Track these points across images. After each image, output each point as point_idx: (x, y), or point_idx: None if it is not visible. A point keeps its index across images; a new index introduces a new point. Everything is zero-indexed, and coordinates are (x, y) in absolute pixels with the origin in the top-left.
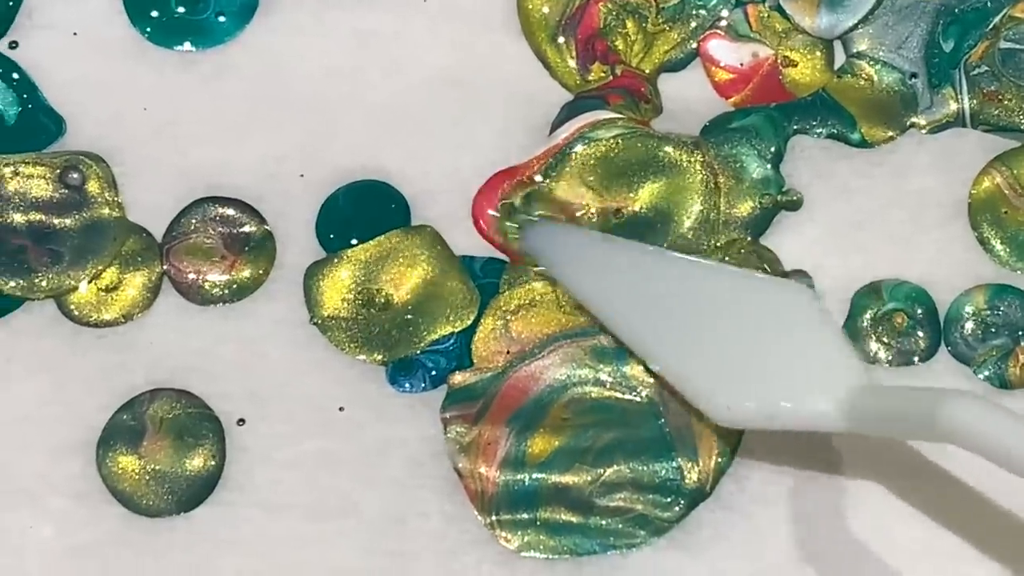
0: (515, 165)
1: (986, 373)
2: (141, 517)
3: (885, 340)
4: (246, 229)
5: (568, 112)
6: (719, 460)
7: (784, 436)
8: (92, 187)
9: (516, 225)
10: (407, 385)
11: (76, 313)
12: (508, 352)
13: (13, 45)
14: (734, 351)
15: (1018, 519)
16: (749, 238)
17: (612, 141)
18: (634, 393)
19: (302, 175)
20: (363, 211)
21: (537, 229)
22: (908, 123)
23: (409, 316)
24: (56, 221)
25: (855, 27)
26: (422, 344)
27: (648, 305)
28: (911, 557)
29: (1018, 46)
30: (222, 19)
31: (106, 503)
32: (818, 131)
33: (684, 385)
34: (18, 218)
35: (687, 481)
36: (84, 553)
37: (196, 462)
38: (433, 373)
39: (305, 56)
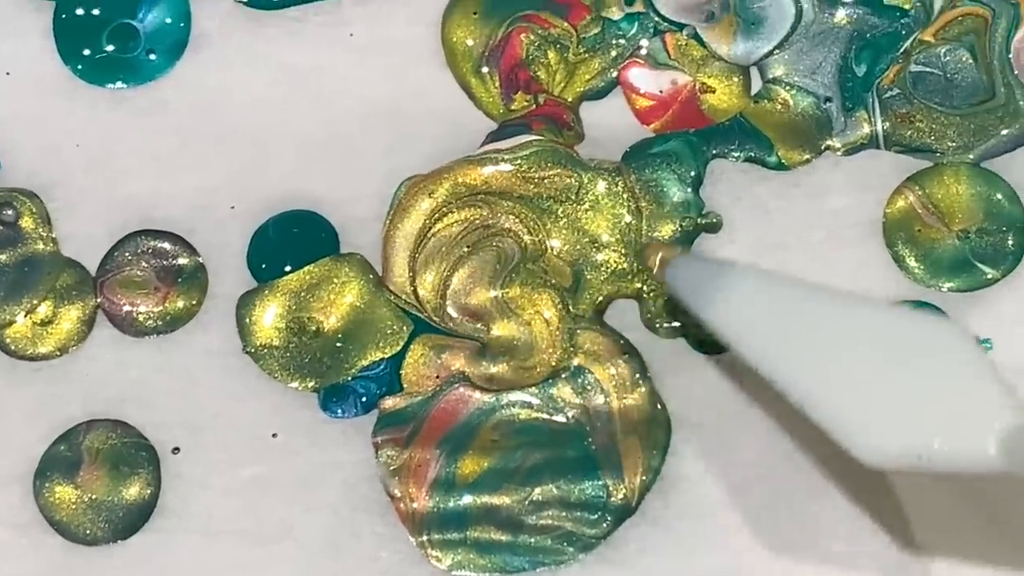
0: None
1: None
2: (79, 546)
3: None
4: (179, 261)
5: (493, 139)
6: (644, 478)
7: (704, 451)
8: (26, 223)
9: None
10: (339, 411)
11: (12, 347)
12: (437, 377)
13: None
14: (883, 388)
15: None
16: None
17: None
18: (561, 414)
19: (233, 207)
20: (293, 240)
21: (683, 263)
22: (824, 146)
23: (340, 343)
24: None
25: (770, 53)
26: (353, 370)
27: (795, 340)
28: (836, 570)
29: (928, 69)
30: (153, 56)
31: (44, 533)
32: (736, 155)
33: (830, 422)
34: None
35: (613, 498)
36: None
37: (132, 491)
38: (364, 398)
39: (235, 90)
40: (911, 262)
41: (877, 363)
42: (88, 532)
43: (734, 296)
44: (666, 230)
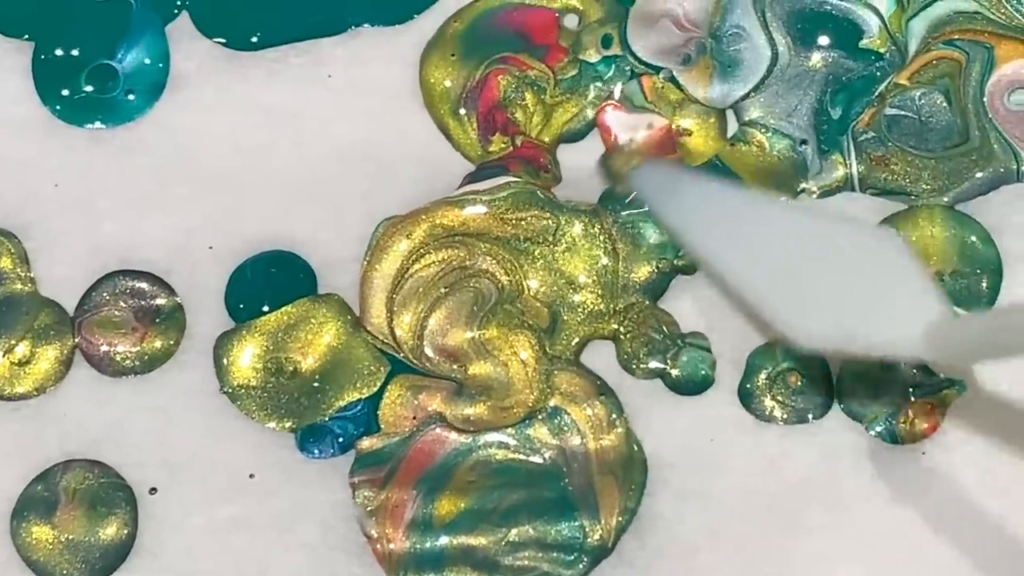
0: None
1: (877, 429)
2: None
3: (780, 399)
4: (157, 301)
5: (471, 181)
6: (621, 518)
7: (680, 492)
8: (4, 263)
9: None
10: (316, 451)
11: None
12: (414, 417)
13: None
14: (821, 286)
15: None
16: (647, 302)
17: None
18: (537, 455)
19: (211, 247)
20: (271, 281)
21: (645, 171)
22: (799, 188)
23: (317, 383)
24: None
25: (746, 96)
26: (330, 411)
27: (743, 239)
28: None
29: (903, 112)
30: (131, 97)
31: (21, 573)
32: None
33: (772, 311)
34: None
35: (590, 539)
36: None
37: (109, 531)
38: (341, 439)
39: (213, 131)
40: None
41: (819, 261)
42: (65, 572)
43: (690, 199)
44: (642, 272)
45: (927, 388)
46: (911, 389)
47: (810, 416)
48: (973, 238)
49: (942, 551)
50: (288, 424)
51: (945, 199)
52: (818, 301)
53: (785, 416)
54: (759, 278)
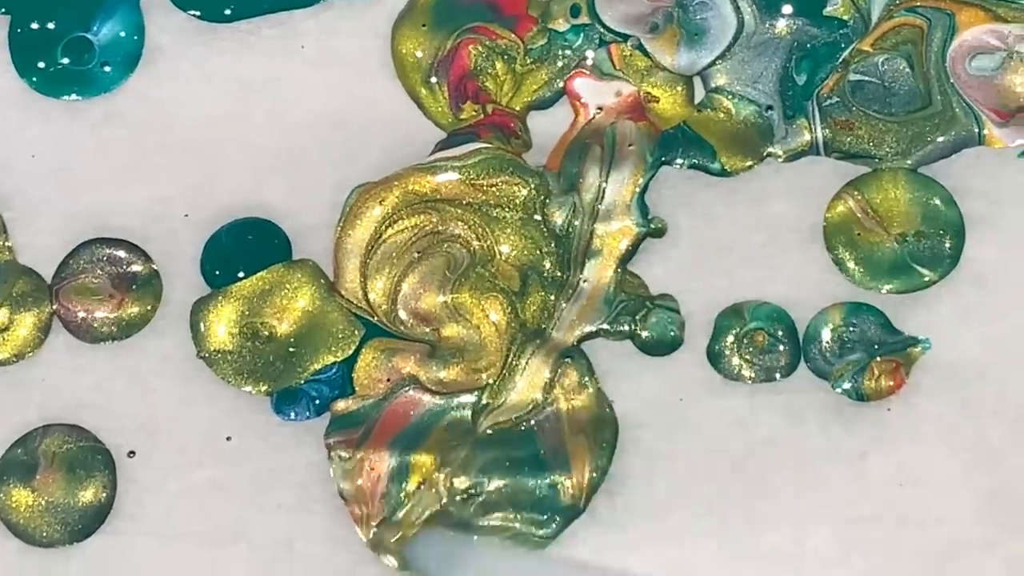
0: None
1: (844, 386)
2: (36, 548)
3: (748, 358)
4: (133, 268)
5: (442, 148)
6: (593, 475)
7: (650, 451)
8: None
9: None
10: (292, 414)
11: None
12: (388, 380)
13: None
14: None
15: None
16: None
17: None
18: (510, 415)
19: (187, 215)
20: (246, 248)
21: (424, 540)
22: (765, 152)
23: (292, 347)
24: None
25: (713, 63)
26: (305, 374)
27: None
28: (778, 563)
29: (866, 77)
30: (107, 69)
31: (1, 536)
32: (680, 162)
33: None
34: None
35: (562, 498)
36: None
37: (88, 494)
38: (317, 401)
39: (188, 102)
40: (851, 265)
41: None
42: (45, 534)
43: (472, 570)
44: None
45: (892, 345)
46: (875, 347)
47: (777, 374)
48: (936, 200)
49: (908, 507)
50: (264, 388)
51: (908, 162)
52: None
53: (753, 375)
54: None
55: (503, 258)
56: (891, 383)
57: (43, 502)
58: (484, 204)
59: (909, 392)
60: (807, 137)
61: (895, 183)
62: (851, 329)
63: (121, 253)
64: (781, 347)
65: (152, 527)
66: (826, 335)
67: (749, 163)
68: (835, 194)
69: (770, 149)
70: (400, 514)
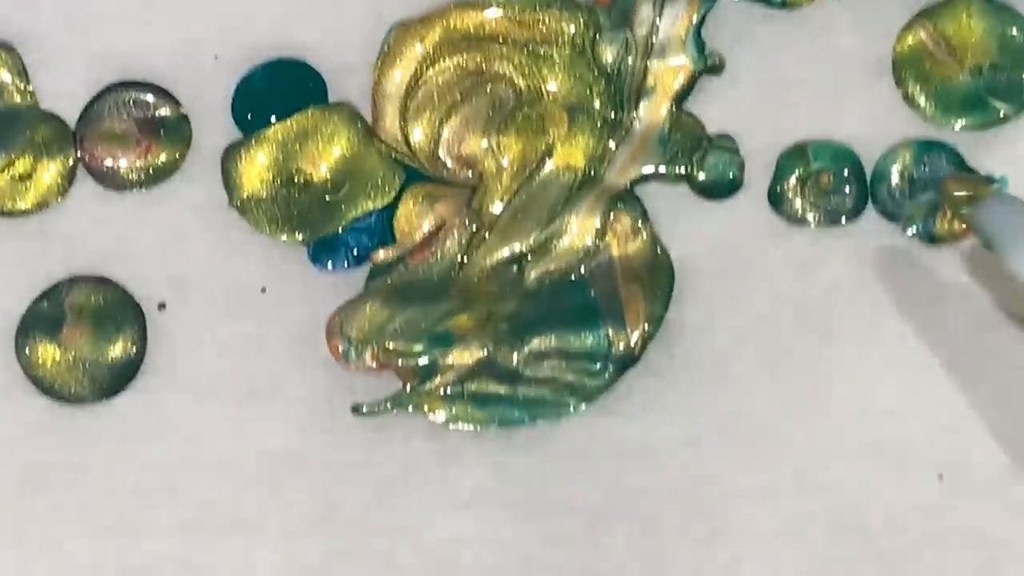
0: None
1: (914, 229)
2: (64, 405)
3: (812, 200)
4: (161, 113)
5: None
6: (647, 326)
7: (708, 299)
8: (2, 76)
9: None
10: (330, 264)
11: None
12: (432, 227)
13: None
14: None
15: None
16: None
17: None
18: (560, 263)
19: (216, 56)
20: (280, 90)
21: (991, 204)
22: None
23: (329, 194)
24: None
25: None
26: (343, 222)
27: None
28: (844, 416)
29: None
30: None
31: (27, 393)
32: None
33: None
34: None
35: (615, 348)
36: (6, 444)
37: (117, 348)
38: (355, 251)
39: None
40: (922, 101)
41: None
42: (72, 390)
43: None
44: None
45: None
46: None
47: (843, 217)
48: (1013, 30)
49: (981, 359)
50: (300, 236)
51: None
52: None
53: (817, 218)
54: None
55: (550, 98)
56: (964, 225)
57: (70, 357)
58: (530, 41)
59: None
60: None
61: (969, 12)
62: (922, 168)
63: (148, 97)
64: (847, 188)
65: (185, 383)
66: (895, 175)
67: None
68: (905, 25)
69: None
70: (443, 363)
